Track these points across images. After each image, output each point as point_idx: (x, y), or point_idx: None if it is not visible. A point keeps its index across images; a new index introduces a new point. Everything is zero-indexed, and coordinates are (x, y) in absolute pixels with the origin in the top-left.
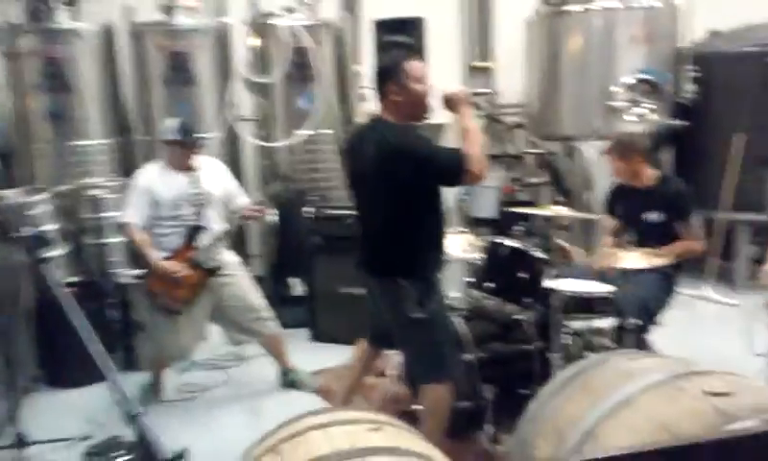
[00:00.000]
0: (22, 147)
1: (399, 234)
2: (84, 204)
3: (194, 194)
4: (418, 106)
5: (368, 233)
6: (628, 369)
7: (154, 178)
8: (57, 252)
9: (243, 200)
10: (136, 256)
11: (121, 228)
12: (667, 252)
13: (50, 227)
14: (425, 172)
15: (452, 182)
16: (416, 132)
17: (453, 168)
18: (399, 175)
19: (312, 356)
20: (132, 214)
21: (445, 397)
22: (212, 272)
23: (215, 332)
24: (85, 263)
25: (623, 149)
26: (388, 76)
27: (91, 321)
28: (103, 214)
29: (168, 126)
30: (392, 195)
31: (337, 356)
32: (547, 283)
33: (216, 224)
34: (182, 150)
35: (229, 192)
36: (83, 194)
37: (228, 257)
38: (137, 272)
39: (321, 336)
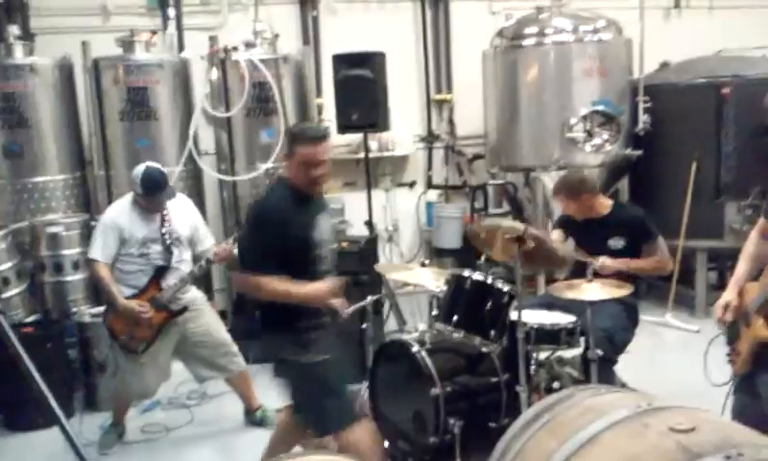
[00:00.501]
0: None
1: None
2: (42, 240)
3: (163, 234)
4: (301, 183)
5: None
6: (593, 405)
7: (123, 215)
8: (14, 291)
9: (209, 242)
10: (97, 294)
11: (87, 263)
12: (640, 264)
13: (7, 265)
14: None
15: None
16: (276, 197)
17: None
18: None
19: (278, 392)
20: (100, 252)
21: (359, 439)
22: (177, 313)
23: (177, 370)
24: (44, 301)
25: (570, 190)
26: (290, 141)
27: (51, 360)
28: (61, 251)
29: (135, 176)
30: None
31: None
32: (512, 315)
33: (183, 263)
34: (150, 200)
35: (197, 231)
36: (40, 231)
37: (194, 293)
38: (97, 310)
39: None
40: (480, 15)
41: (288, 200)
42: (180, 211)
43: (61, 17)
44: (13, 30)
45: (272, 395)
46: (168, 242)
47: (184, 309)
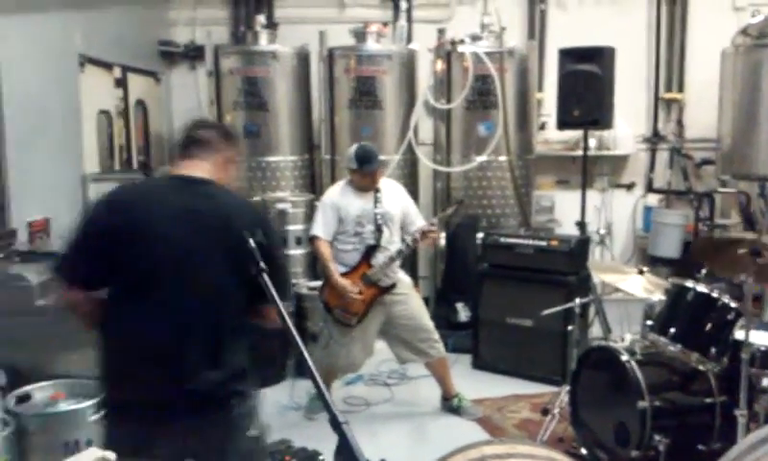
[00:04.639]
0: None
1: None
2: (271, 215)
3: (375, 213)
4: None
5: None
6: None
7: (339, 195)
8: None
9: (420, 223)
10: (315, 269)
11: (310, 240)
12: None
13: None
14: None
15: None
16: None
17: None
18: None
19: (472, 384)
20: (321, 229)
21: None
22: (386, 290)
23: (380, 349)
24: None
25: None
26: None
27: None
28: (287, 227)
29: (349, 154)
30: None
31: (498, 387)
32: (737, 334)
33: (393, 244)
34: (362, 175)
35: (408, 214)
36: (270, 206)
37: (402, 277)
38: (315, 284)
39: (482, 364)
40: (722, 11)
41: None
42: (392, 193)
43: (302, 8)
44: (260, 19)
45: (468, 385)
46: (379, 222)
47: (393, 285)
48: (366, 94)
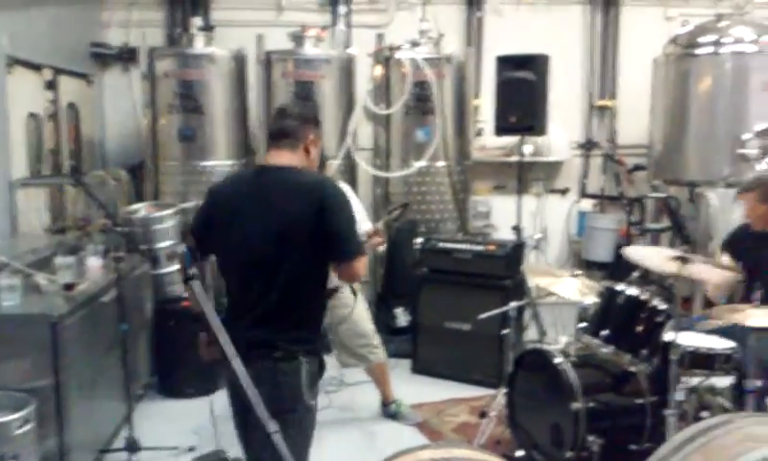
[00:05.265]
0: (152, 163)
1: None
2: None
3: None
4: None
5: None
6: (755, 434)
7: None
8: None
9: (366, 225)
10: None
11: None
12: None
13: (174, 241)
14: None
15: None
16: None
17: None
18: None
19: (412, 389)
20: None
21: None
22: (331, 293)
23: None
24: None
25: (765, 192)
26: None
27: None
28: None
29: None
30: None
31: (437, 391)
32: (666, 336)
33: None
34: None
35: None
36: None
37: None
38: None
39: (422, 369)
40: (654, 21)
41: None
42: None
43: (239, 11)
44: (196, 21)
45: (408, 389)
46: None
47: (335, 290)
48: (304, 98)
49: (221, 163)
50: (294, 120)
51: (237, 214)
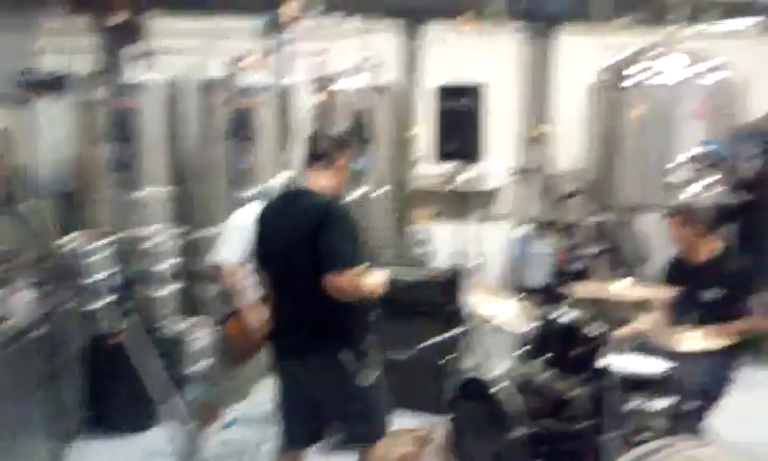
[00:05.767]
0: (84, 192)
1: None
2: (140, 251)
3: None
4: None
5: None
6: (696, 457)
7: (250, 221)
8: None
9: None
10: (188, 306)
11: (216, 269)
12: (733, 329)
13: (107, 273)
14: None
15: None
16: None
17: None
18: None
19: None
20: (231, 252)
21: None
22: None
23: (257, 390)
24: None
25: (687, 216)
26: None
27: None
28: (158, 263)
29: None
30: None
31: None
32: (603, 360)
33: None
34: None
35: None
36: (139, 242)
37: None
38: (188, 322)
39: None
40: (588, 50)
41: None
42: None
43: (175, 38)
44: (131, 49)
45: None
46: None
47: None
48: (242, 127)
49: (156, 192)
50: (329, 143)
51: (270, 231)
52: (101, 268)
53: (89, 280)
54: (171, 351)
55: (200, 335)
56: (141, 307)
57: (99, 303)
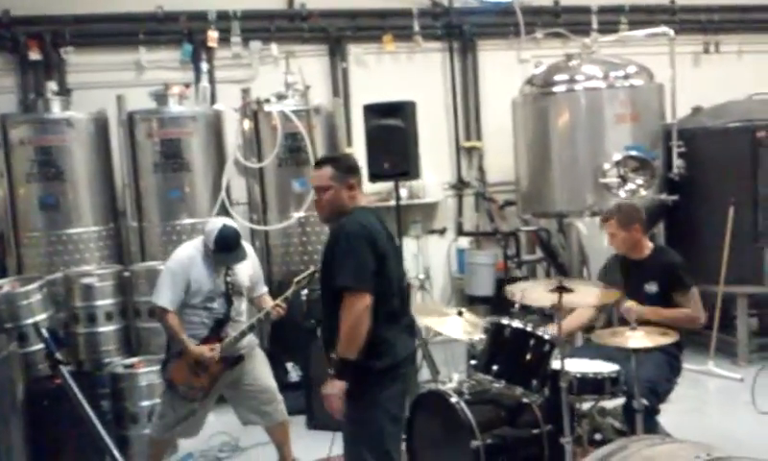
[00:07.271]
0: (12, 235)
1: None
2: (76, 291)
3: (227, 283)
4: None
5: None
6: (650, 456)
7: (193, 266)
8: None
9: (262, 288)
10: (129, 345)
11: (156, 311)
12: (668, 314)
13: (42, 316)
14: None
15: None
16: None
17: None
18: None
19: (309, 444)
20: (169, 300)
21: None
22: (234, 363)
23: (210, 422)
24: (77, 352)
25: (624, 216)
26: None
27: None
28: (95, 302)
29: (209, 231)
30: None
31: (335, 445)
32: (553, 365)
33: (242, 314)
34: (219, 259)
35: (257, 281)
36: (74, 282)
37: (248, 338)
38: (130, 361)
39: (318, 424)
40: (509, 64)
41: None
42: (244, 261)
43: (97, 73)
44: (51, 85)
45: (305, 445)
46: (230, 292)
47: (240, 358)
48: (171, 157)
49: (87, 230)
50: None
51: (392, 256)
52: (36, 311)
53: (24, 324)
54: (119, 388)
55: (145, 372)
56: (85, 346)
57: (36, 347)
